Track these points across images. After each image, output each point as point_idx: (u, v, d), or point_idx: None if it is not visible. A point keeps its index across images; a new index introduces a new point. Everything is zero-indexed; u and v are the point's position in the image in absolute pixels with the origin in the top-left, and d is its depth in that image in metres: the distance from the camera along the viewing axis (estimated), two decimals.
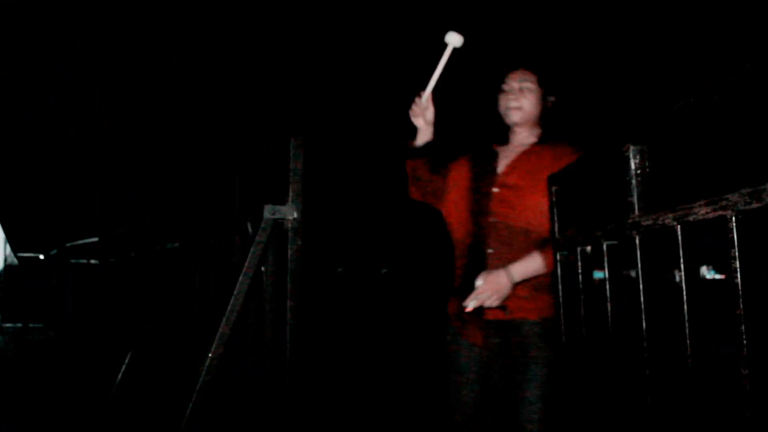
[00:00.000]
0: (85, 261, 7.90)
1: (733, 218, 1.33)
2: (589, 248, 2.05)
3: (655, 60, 5.81)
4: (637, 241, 1.71)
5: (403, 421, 4.76)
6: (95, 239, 7.44)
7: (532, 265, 2.37)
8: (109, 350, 5.28)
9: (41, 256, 11.61)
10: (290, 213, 2.42)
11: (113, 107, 8.21)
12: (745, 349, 1.31)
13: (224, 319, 2.28)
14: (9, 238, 10.93)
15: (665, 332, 1.69)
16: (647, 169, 1.74)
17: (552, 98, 2.56)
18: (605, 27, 5.71)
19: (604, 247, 1.91)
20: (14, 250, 11.08)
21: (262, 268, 2.50)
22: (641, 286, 1.72)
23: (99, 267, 7.00)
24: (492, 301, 2.33)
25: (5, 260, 11.04)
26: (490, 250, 2.44)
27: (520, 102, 2.51)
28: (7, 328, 10.62)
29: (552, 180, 2.65)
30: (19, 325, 10.00)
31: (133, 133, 9.04)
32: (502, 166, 2.55)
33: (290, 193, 2.43)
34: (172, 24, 6.23)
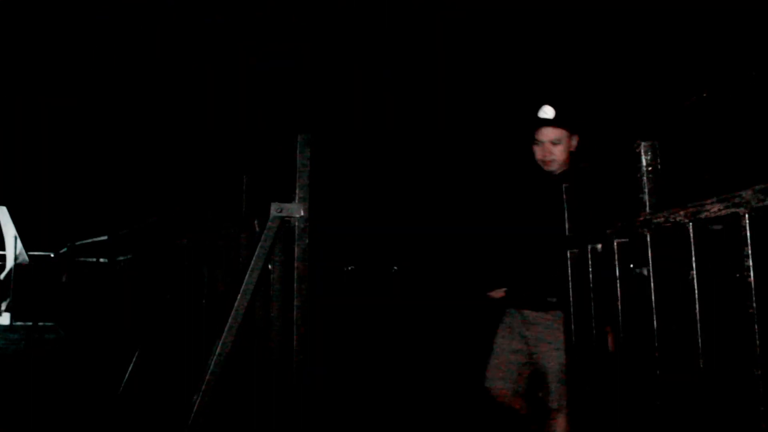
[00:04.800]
0: (94, 259, 7.92)
1: (746, 216, 1.30)
2: (600, 246, 2.03)
3: (667, 55, 5.76)
4: (648, 239, 1.68)
5: (411, 420, 4.75)
6: (104, 238, 7.47)
7: None
8: (118, 348, 5.29)
9: (51, 255, 11.67)
10: (297, 211, 2.40)
11: (121, 108, 8.23)
12: (758, 349, 1.28)
13: (231, 317, 2.27)
14: (20, 237, 11.00)
15: (678, 331, 1.67)
16: (658, 166, 1.72)
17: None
18: (616, 21, 5.67)
19: (615, 245, 1.89)
20: (25, 248, 11.14)
21: (269, 266, 2.49)
22: (652, 285, 1.69)
23: (108, 265, 7.03)
24: None
25: (16, 259, 11.10)
26: None
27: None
28: (18, 326, 10.69)
29: (563, 177, 2.65)
30: (30, 323, 10.06)
31: (141, 133, 9.07)
32: None
33: (297, 191, 2.42)
34: (179, 24, 6.23)
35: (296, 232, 2.41)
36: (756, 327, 1.29)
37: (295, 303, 2.39)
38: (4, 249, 11.33)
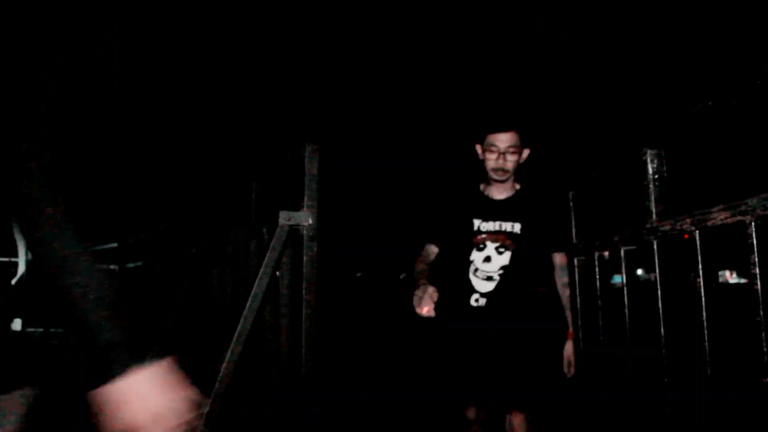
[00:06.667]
0: (104, 266, 7.94)
1: (753, 224, 1.30)
2: (606, 253, 2.03)
3: (673, 63, 5.75)
4: (655, 247, 1.69)
5: (417, 422, 4.76)
6: (114, 245, 7.50)
7: None
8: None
9: None
10: (305, 219, 2.41)
11: (133, 115, 8.29)
12: (766, 357, 1.28)
13: (240, 324, 2.27)
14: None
15: (684, 338, 1.67)
16: (665, 174, 1.72)
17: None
18: (623, 30, 5.67)
19: (622, 252, 1.89)
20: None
21: (278, 273, 2.50)
22: (659, 292, 1.70)
23: (118, 272, 7.06)
24: None
25: (27, 266, 11.18)
26: None
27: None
28: (29, 333, 10.74)
29: (570, 185, 2.64)
30: (41, 330, 10.11)
31: (151, 141, 9.14)
32: None
33: (305, 199, 2.43)
34: (190, 31, 6.28)
35: (304, 240, 2.42)
36: (764, 336, 1.29)
37: (303, 310, 2.40)
38: (16, 256, 11.44)
